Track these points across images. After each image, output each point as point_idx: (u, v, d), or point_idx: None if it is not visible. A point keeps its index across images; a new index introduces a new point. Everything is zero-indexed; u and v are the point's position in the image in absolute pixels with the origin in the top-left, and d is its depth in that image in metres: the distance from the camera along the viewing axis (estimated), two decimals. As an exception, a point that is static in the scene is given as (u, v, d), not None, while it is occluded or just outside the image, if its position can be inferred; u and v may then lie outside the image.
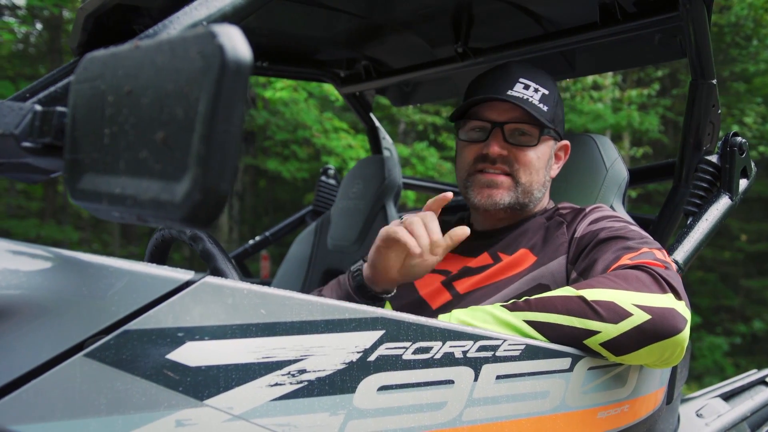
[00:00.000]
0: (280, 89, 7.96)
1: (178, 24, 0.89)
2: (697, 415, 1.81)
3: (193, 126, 0.62)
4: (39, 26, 13.34)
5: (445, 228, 1.77)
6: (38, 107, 0.81)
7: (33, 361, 0.74)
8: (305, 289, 2.61)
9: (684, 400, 1.93)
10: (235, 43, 0.62)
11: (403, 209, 3.27)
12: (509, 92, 1.55)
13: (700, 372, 10.39)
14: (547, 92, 1.58)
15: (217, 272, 1.16)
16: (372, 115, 2.89)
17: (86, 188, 0.72)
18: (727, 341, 10.94)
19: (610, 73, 10.62)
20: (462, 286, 1.53)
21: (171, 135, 0.64)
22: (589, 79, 9.82)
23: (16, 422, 0.72)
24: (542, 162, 1.59)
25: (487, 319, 1.21)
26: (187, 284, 0.83)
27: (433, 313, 1.47)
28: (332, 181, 3.10)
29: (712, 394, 1.96)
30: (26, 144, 0.80)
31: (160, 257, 1.37)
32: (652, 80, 11.14)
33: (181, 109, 0.63)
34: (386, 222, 2.40)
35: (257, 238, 3.13)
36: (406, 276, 1.38)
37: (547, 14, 1.93)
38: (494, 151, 1.54)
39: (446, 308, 1.48)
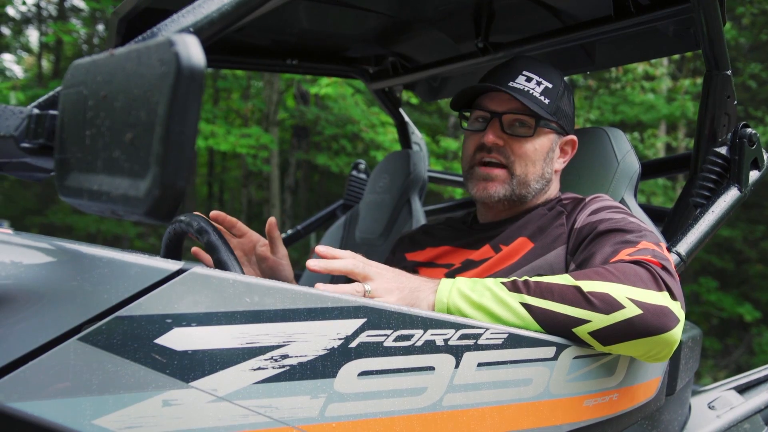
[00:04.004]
0: (326, 85, 8.06)
1: (166, 31, 0.94)
2: (709, 407, 1.79)
3: (154, 127, 0.68)
4: (100, 27, 13.81)
5: (451, 225, 1.81)
6: (36, 111, 0.89)
7: (30, 344, 0.80)
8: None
9: (697, 392, 1.92)
10: (190, 51, 0.67)
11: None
12: (510, 83, 1.58)
13: (759, 368, 10.08)
14: (550, 85, 1.60)
15: (221, 263, 1.22)
16: (401, 111, 2.94)
17: (72, 185, 0.79)
18: (789, 337, 10.61)
19: (665, 63, 10.39)
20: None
21: (137, 136, 0.70)
22: (640, 69, 9.63)
23: (14, 400, 0.78)
24: (540, 154, 1.60)
25: (485, 294, 1.24)
26: (176, 274, 0.89)
27: None
28: (363, 176, 3.16)
29: (727, 386, 1.94)
30: (24, 145, 0.87)
31: (174, 250, 1.45)
32: (708, 69, 10.82)
33: (144, 112, 0.69)
34: (410, 215, 2.44)
35: (289, 231, 3.21)
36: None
37: (564, 7, 1.94)
38: (489, 139, 1.58)
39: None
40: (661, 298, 1.20)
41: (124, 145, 0.72)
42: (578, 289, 1.21)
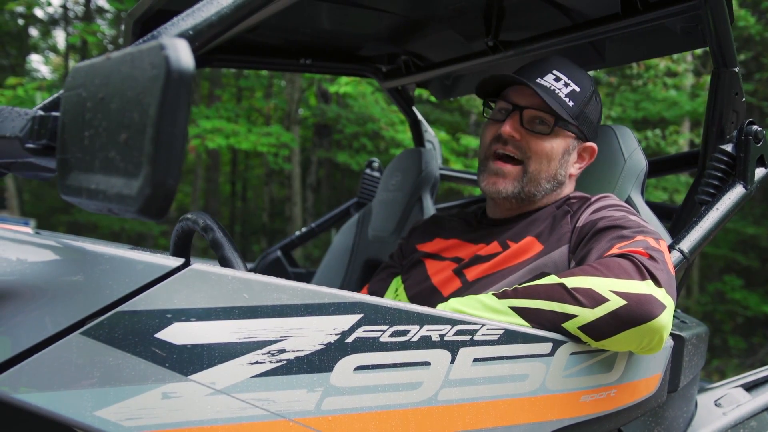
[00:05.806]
0: (345, 84, 8.09)
1: (167, 34, 0.97)
2: (716, 404, 1.78)
3: (145, 128, 0.70)
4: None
5: (462, 218, 1.82)
6: (40, 112, 0.92)
7: (34, 338, 0.83)
8: (347, 277, 2.70)
9: (704, 389, 1.91)
10: (180, 54, 0.70)
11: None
12: (538, 80, 1.59)
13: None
14: (578, 89, 1.60)
15: (225, 260, 1.25)
16: (414, 109, 2.95)
17: (72, 184, 0.82)
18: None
19: (688, 59, 10.27)
20: (471, 273, 1.57)
21: (131, 136, 0.73)
22: (662, 65, 9.53)
23: (18, 392, 0.81)
24: (555, 154, 1.59)
25: (476, 306, 1.27)
26: (176, 270, 0.92)
27: (444, 300, 1.52)
28: (376, 174, 3.18)
29: (734, 383, 1.92)
30: (29, 145, 0.91)
31: (183, 247, 1.48)
32: (734, 64, 10.68)
33: (137, 113, 0.72)
34: (422, 213, 2.46)
35: (303, 229, 3.25)
36: None
37: (573, 5, 1.94)
38: (506, 130, 1.58)
39: (456, 295, 1.53)
40: (644, 287, 1.22)
41: (118, 146, 0.74)
42: (562, 286, 1.24)
